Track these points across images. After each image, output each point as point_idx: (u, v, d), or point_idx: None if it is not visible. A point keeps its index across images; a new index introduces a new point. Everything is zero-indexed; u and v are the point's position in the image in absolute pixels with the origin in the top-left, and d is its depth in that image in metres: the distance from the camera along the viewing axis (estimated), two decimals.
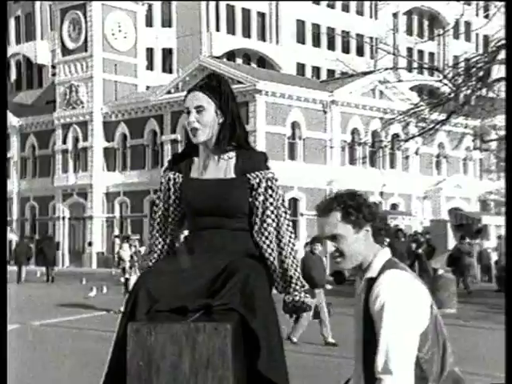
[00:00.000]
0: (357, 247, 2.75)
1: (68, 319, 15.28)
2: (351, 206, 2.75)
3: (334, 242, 2.76)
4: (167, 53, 56.61)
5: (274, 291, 3.21)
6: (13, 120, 48.75)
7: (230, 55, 55.56)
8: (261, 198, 3.16)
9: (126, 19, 47.46)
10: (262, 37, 58.34)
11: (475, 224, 39.92)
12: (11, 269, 22.88)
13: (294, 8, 58.05)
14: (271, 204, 3.16)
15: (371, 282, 2.73)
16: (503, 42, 19.55)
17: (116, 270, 18.08)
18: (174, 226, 3.27)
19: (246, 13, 57.54)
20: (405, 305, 2.63)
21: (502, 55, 20.35)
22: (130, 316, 2.97)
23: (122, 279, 17.24)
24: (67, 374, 9.35)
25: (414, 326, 2.64)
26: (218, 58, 49.75)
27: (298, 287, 3.19)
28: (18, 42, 58.57)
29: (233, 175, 3.17)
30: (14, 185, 48.87)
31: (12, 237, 44.13)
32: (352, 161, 42.81)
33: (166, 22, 56.49)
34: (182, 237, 3.38)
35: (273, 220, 3.16)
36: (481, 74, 20.10)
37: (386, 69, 25.13)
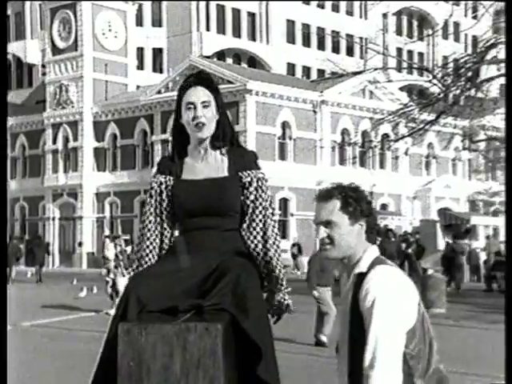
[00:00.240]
0: (348, 239, 2.77)
1: (58, 320, 15.25)
2: (351, 197, 2.78)
3: (327, 229, 2.78)
4: (157, 52, 56.54)
5: None
6: None
7: (221, 55, 55.54)
8: (251, 198, 3.17)
9: (116, 19, 47.38)
10: (252, 37, 58.36)
11: (464, 224, 40.10)
12: None
13: (283, 8, 58.08)
14: (260, 204, 3.18)
15: (360, 277, 2.74)
16: (492, 42, 19.66)
17: (102, 270, 17.89)
18: (167, 228, 3.25)
19: (236, 13, 57.53)
20: (395, 301, 2.65)
21: (491, 55, 20.46)
22: (121, 317, 2.97)
23: (108, 279, 16.84)
24: (57, 374, 9.34)
25: (402, 323, 2.66)
26: (208, 57, 49.75)
27: (282, 288, 3.20)
28: (7, 40, 58.39)
29: (225, 174, 3.17)
30: None
31: None
32: (342, 161, 42.90)
33: (157, 22, 56.43)
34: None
35: (260, 220, 3.18)
36: (469, 74, 20.18)
37: (376, 69, 25.21)
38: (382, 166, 45.69)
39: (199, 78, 3.21)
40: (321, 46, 60.53)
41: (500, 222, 44.73)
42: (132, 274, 3.21)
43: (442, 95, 20.85)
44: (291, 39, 59.62)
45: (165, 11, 56.46)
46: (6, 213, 4.23)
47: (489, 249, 27.97)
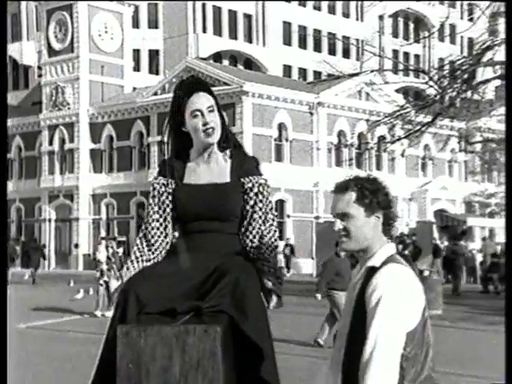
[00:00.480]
0: (364, 231, 2.74)
1: (54, 322, 15.24)
2: (368, 189, 2.75)
3: (343, 221, 2.75)
4: (154, 54, 56.52)
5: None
6: None
7: (217, 57, 55.56)
8: (251, 203, 3.18)
9: (112, 20, 47.36)
10: (249, 38, 58.39)
11: (460, 225, 40.14)
12: None
13: (280, 10, 58.12)
14: (260, 209, 3.18)
15: (372, 271, 2.71)
16: (488, 44, 19.71)
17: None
18: (170, 229, 3.24)
19: (233, 14, 57.55)
20: (400, 302, 2.63)
21: (487, 57, 20.50)
22: (120, 318, 2.96)
23: (101, 281, 16.71)
24: (54, 376, 9.34)
25: (404, 324, 2.64)
26: (204, 59, 49.76)
27: (271, 276, 3.13)
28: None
29: (227, 179, 3.18)
30: None
31: None
32: (338, 163, 42.91)
33: (153, 24, 56.40)
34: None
35: (260, 224, 3.18)
36: (466, 76, 20.22)
37: (373, 71, 25.24)
38: (378, 167, 45.74)
39: (198, 83, 3.21)
40: (317, 47, 60.58)
41: (496, 223, 44.81)
42: (132, 273, 3.15)
43: (438, 97, 20.89)
44: (287, 41, 59.67)
45: (161, 13, 56.46)
46: (5, 213, 4.22)
47: (485, 250, 28.01)
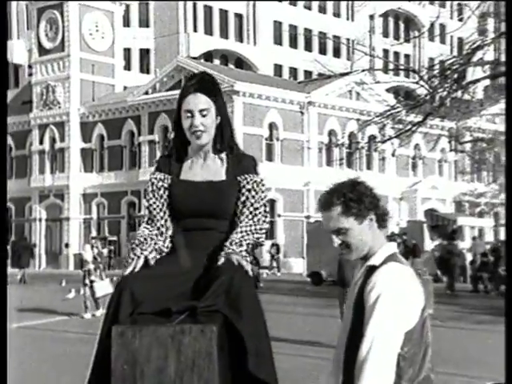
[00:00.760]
0: (363, 238, 2.74)
1: (45, 321, 15.20)
2: (351, 199, 2.72)
3: (340, 235, 2.74)
4: (145, 53, 56.43)
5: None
6: None
7: (208, 56, 55.52)
8: (242, 199, 3.17)
9: (103, 19, 47.27)
10: (240, 38, 58.38)
11: (450, 225, 40.25)
12: None
13: (271, 9, 58.15)
14: (251, 205, 3.16)
15: (372, 270, 2.71)
16: (478, 44, 19.79)
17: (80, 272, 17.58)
18: (169, 225, 3.21)
19: (224, 14, 57.53)
20: (399, 301, 2.62)
21: (477, 57, 20.58)
22: (112, 318, 2.94)
23: (87, 281, 16.55)
24: (46, 376, 9.32)
25: (402, 323, 2.63)
26: (195, 58, 49.73)
27: (240, 249, 3.04)
28: None
29: (223, 177, 3.18)
30: None
31: None
32: (329, 162, 43.00)
33: (144, 23, 56.31)
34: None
35: (249, 219, 3.15)
36: (456, 76, 20.30)
37: (363, 70, 25.27)
38: (368, 167, 45.85)
39: (200, 83, 3.20)
40: (308, 47, 60.64)
41: (485, 222, 44.98)
42: (132, 269, 3.09)
43: (428, 97, 20.95)
44: (278, 40, 59.69)
45: (152, 12, 56.37)
46: (5, 213, 4.22)
47: (475, 250, 28.11)
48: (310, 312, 16.86)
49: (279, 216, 41.88)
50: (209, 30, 56.69)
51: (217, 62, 55.56)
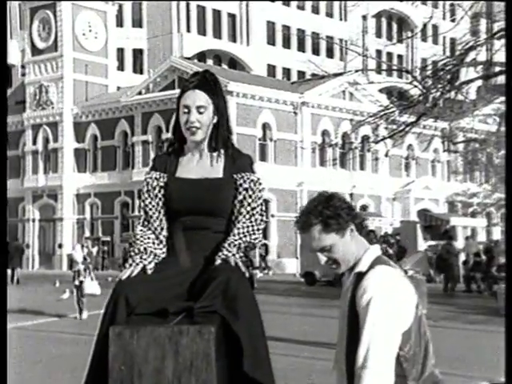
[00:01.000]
0: (348, 250, 2.76)
1: (40, 322, 15.18)
2: (328, 216, 2.72)
3: (324, 252, 2.76)
4: (138, 53, 56.36)
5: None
6: None
7: (201, 56, 55.50)
8: (239, 198, 3.17)
9: (96, 19, 47.21)
10: (233, 38, 58.38)
11: (443, 225, 40.38)
12: None
13: (264, 9, 58.17)
14: (249, 204, 3.17)
15: (360, 276, 2.73)
16: (471, 44, 19.85)
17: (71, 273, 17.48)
18: (165, 223, 3.21)
19: (217, 14, 57.51)
20: (391, 302, 2.64)
21: (470, 58, 20.65)
22: (110, 319, 2.94)
23: (76, 282, 16.39)
24: (40, 377, 9.32)
25: (397, 324, 2.65)
26: (188, 58, 49.68)
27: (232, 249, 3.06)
28: None
29: (220, 175, 3.18)
30: None
31: None
32: (322, 162, 43.07)
33: (137, 23, 56.25)
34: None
35: (246, 219, 3.16)
36: (449, 76, 20.35)
37: (357, 70, 25.30)
38: (362, 167, 45.92)
39: (200, 80, 3.22)
40: (301, 47, 60.69)
41: (478, 223, 45.11)
42: (132, 269, 3.09)
43: (422, 97, 21.00)
44: (271, 41, 59.72)
45: (145, 12, 56.31)
46: (5, 213, 4.21)
47: (468, 250, 28.17)
48: (303, 312, 16.89)
49: (273, 216, 41.90)
50: (202, 30, 56.68)
51: (210, 62, 55.55)
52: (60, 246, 44.11)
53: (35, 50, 46.95)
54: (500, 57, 19.70)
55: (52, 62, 46.13)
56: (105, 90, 47.15)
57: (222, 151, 3.23)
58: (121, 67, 52.91)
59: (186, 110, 3.16)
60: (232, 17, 58.40)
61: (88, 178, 45.67)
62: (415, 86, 21.26)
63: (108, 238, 43.73)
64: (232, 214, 3.17)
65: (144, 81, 45.30)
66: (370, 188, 45.07)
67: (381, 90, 47.12)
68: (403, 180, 47.58)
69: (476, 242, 33.45)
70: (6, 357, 3.78)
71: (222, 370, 2.89)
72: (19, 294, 23.16)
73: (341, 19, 62.57)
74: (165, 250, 3.17)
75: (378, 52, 58.79)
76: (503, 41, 18.32)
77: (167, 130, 40.40)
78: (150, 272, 3.09)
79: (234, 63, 57.37)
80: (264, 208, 3.29)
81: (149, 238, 3.17)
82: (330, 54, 60.42)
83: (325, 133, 44.28)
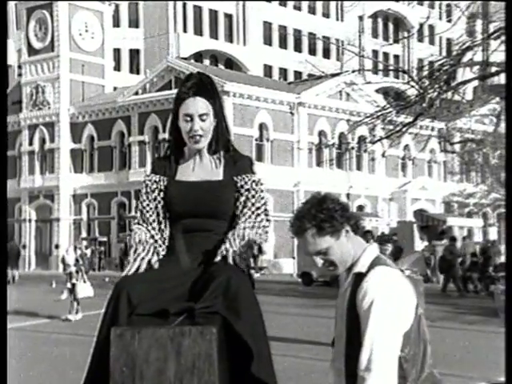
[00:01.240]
0: (344, 251, 2.74)
1: (37, 323, 15.16)
2: (322, 220, 2.68)
3: (321, 255, 2.75)
4: (134, 53, 56.34)
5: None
6: None
7: (198, 56, 55.50)
8: (242, 199, 3.16)
9: (92, 19, 47.17)
10: (230, 38, 58.39)
11: (440, 225, 40.45)
12: None
13: (260, 10, 58.19)
14: (253, 204, 3.16)
15: (359, 277, 2.71)
16: (468, 44, 19.88)
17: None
18: (166, 226, 3.21)
19: (213, 14, 57.52)
20: (393, 304, 2.63)
21: (467, 58, 20.68)
22: (111, 319, 2.93)
23: (69, 285, 16.26)
24: (37, 379, 9.31)
25: (399, 326, 2.64)
26: (185, 59, 49.69)
27: (234, 243, 3.05)
28: None
29: (220, 178, 3.18)
30: None
31: None
32: (319, 163, 43.07)
33: (133, 23, 56.23)
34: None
35: (250, 218, 3.14)
36: (446, 76, 20.38)
37: (354, 71, 25.32)
38: (358, 167, 45.95)
39: (199, 86, 3.18)
40: (297, 47, 60.72)
41: (475, 223, 45.19)
42: (132, 271, 3.08)
43: (418, 98, 21.01)
44: (268, 41, 59.75)
45: (142, 12, 56.29)
46: (6, 213, 4.19)
47: (464, 250, 28.20)
48: (300, 312, 16.91)
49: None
50: (199, 31, 56.68)
51: (207, 62, 55.54)
52: (57, 246, 44.04)
53: (32, 50, 46.90)
54: (496, 57, 19.75)
55: (48, 62, 46.08)
56: (101, 91, 47.11)
57: (222, 153, 3.23)
58: (117, 67, 52.88)
59: (188, 119, 3.14)
60: (228, 17, 58.41)
61: (85, 178, 45.63)
62: (412, 87, 21.28)
63: (105, 239, 43.70)
64: (234, 216, 3.17)
65: (141, 81, 45.27)
66: (367, 188, 45.11)
67: (377, 91, 47.14)
68: (400, 180, 47.63)
69: (473, 242, 33.53)
70: (6, 357, 3.77)
71: (224, 371, 2.88)
72: (16, 295, 23.13)
73: (337, 19, 62.61)
74: (164, 247, 3.16)
75: (375, 52, 58.84)
76: (499, 41, 18.36)
77: (164, 131, 40.38)
78: (156, 266, 3.06)
79: (231, 63, 57.37)
80: (268, 208, 3.27)
81: (146, 234, 3.15)
82: (326, 54, 60.47)
83: (321, 133, 44.31)
